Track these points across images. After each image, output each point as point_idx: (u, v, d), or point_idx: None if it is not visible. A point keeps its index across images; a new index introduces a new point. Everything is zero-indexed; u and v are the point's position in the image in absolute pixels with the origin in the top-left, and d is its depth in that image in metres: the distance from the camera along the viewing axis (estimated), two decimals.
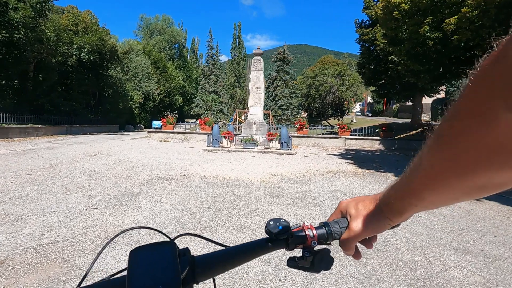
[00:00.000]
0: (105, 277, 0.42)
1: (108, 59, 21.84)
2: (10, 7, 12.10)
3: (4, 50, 14.31)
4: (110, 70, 23.22)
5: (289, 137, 11.55)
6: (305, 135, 15.56)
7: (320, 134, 17.00)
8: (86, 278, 0.47)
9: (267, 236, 0.47)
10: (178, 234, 0.53)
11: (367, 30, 22.26)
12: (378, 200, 0.45)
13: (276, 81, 46.74)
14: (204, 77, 40.09)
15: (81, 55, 15.49)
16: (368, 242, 0.49)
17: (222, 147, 11.56)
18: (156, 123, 15.97)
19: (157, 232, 0.55)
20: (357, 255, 0.50)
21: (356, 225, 0.46)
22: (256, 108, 13.94)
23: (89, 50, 16.67)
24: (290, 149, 11.20)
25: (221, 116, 39.14)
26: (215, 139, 11.37)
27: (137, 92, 25.98)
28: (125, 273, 0.38)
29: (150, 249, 0.40)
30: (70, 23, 19.15)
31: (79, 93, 20.07)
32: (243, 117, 24.16)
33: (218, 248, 0.48)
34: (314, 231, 0.48)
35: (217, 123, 17.25)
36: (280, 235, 0.45)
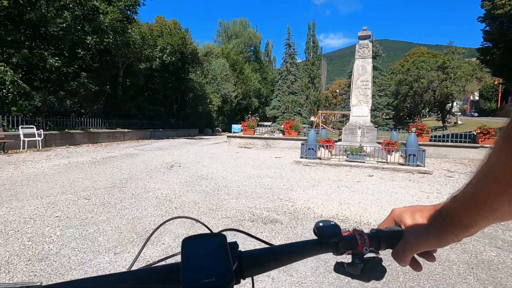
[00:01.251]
0: (156, 260, 0.45)
1: (189, 62, 21.91)
2: (101, 11, 12.34)
3: (98, 57, 14.94)
4: (191, 73, 23.37)
5: (420, 149, 8.26)
6: (426, 143, 11.71)
7: (441, 141, 12.72)
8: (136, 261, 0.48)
9: (316, 238, 0.45)
10: (224, 228, 0.53)
11: (503, 1, 16.61)
12: (439, 212, 0.41)
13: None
14: (281, 77, 38.37)
15: (164, 56, 15.38)
16: (428, 255, 0.45)
17: (320, 158, 9.02)
18: (235, 128, 14.50)
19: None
20: (416, 266, 0.47)
21: (414, 236, 0.43)
22: (361, 108, 11.00)
23: (171, 51, 16.57)
24: (423, 166, 7.90)
25: (298, 118, 36.73)
26: (311, 149, 8.92)
27: (215, 95, 25.80)
28: (177, 259, 0.39)
29: (202, 239, 0.41)
30: (157, 29, 19.73)
31: (163, 97, 20.44)
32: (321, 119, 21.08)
33: (264, 246, 0.48)
34: (366, 238, 0.45)
35: (311, 128, 14.96)
36: (330, 238, 0.44)
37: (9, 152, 9.09)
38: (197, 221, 0.59)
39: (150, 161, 8.54)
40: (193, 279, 0.35)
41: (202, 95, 23.86)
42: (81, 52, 14.34)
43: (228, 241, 0.42)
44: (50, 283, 0.36)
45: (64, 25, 11.81)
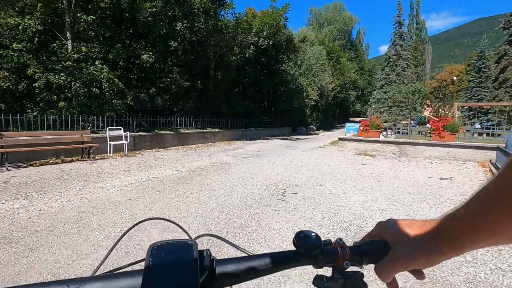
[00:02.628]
0: (122, 265, 0.43)
1: (283, 50, 19.27)
2: None
3: (190, 49, 13.68)
4: (285, 64, 20.75)
5: None
6: None
7: None
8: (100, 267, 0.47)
9: (295, 249, 0.44)
10: (200, 234, 0.54)
11: None
12: (432, 229, 0.40)
13: (507, 57, 31.31)
14: (388, 63, 32.23)
15: (260, 41, 13.15)
16: (416, 272, 0.44)
17: None
18: (350, 127, 10.98)
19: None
20: (394, 285, 0.45)
21: (400, 253, 0.41)
22: None
23: (268, 34, 14.22)
24: None
25: (403, 114, 29.94)
26: None
27: (312, 88, 22.59)
28: (142, 265, 0.38)
29: (171, 246, 0.40)
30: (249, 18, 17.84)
31: (254, 91, 18.41)
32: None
33: (241, 254, 0.47)
34: (348, 251, 0.44)
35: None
36: (310, 250, 0.42)
37: (95, 158, 8.09)
38: (175, 223, 0.58)
39: (248, 178, 6.05)
40: None
41: (297, 88, 21.01)
42: (174, 45, 13.28)
43: (206, 247, 0.41)
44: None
45: (153, 9, 10.65)
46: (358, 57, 54.39)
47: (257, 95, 18.76)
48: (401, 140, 9.67)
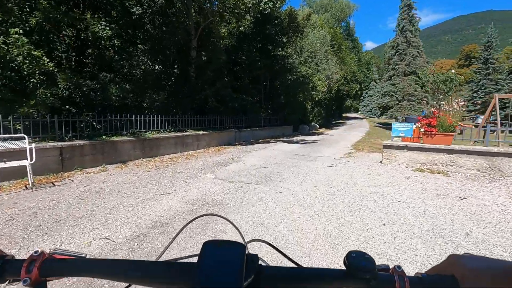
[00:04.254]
0: (182, 256, 0.49)
1: (285, 29, 15.61)
2: None
3: (161, 20, 9.85)
4: (286, 48, 17.10)
5: None
6: None
7: None
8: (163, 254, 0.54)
9: (345, 269, 0.42)
10: (252, 238, 0.57)
11: None
12: None
13: None
14: (397, 52, 29.10)
15: (261, 3, 9.50)
16: None
17: None
18: (400, 127, 7.50)
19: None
20: None
21: None
22: None
23: None
24: None
25: (415, 109, 27.05)
26: None
27: (319, 77, 19.01)
28: (195, 259, 0.42)
29: (222, 246, 0.42)
30: None
31: (250, 81, 14.70)
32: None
33: (291, 264, 0.47)
34: (407, 280, 0.40)
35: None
36: (361, 272, 0.40)
37: None
38: (230, 222, 0.61)
39: (271, 252, 2.29)
40: (202, 284, 0.36)
41: (301, 78, 17.42)
42: (137, 12, 9.43)
43: (255, 252, 0.43)
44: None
45: None
46: (356, 48, 51.39)
47: (254, 86, 15.07)
48: (495, 150, 6.23)
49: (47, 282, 0.44)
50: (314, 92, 17.28)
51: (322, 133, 20.40)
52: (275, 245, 0.56)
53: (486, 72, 44.55)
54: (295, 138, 15.81)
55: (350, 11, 49.65)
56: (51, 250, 0.47)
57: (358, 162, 8.12)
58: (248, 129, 13.95)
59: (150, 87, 9.94)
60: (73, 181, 5.50)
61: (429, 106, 28.78)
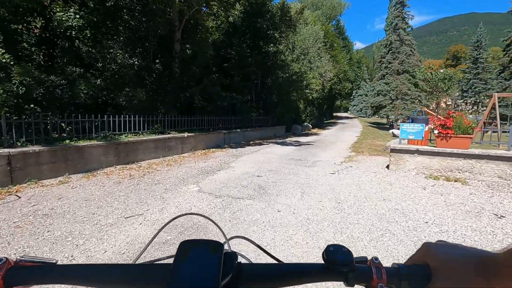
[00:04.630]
0: (154, 259, 0.49)
1: (277, 23, 14.72)
2: None
3: (140, 7, 8.82)
4: (278, 44, 16.19)
5: None
6: None
7: None
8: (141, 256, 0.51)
9: (324, 263, 0.42)
10: (232, 236, 0.56)
11: None
12: (488, 261, 0.35)
13: None
14: (390, 50, 28.59)
15: None
16: None
17: None
18: (408, 129, 6.68)
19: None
20: None
21: (442, 284, 0.37)
22: None
23: None
24: None
25: (408, 109, 26.62)
26: None
27: (314, 75, 18.15)
28: (171, 260, 0.41)
29: (199, 245, 0.42)
30: None
31: (240, 79, 13.75)
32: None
33: (271, 261, 0.47)
34: (384, 272, 0.41)
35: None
36: (339, 266, 0.41)
37: None
38: (210, 219, 0.62)
39: None
40: (178, 286, 0.36)
41: (294, 76, 16.53)
42: None
43: (235, 250, 0.44)
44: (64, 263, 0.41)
45: None
46: (347, 46, 51.00)
47: (244, 83, 14.11)
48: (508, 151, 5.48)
49: None
50: (308, 91, 16.44)
51: (315, 134, 19.61)
52: (254, 241, 0.56)
53: (476, 72, 44.87)
54: (288, 140, 14.93)
55: (341, 9, 49.10)
56: (18, 257, 0.44)
57: (362, 168, 7.27)
58: (239, 130, 12.97)
59: (129, 84, 8.85)
60: (20, 197, 4.43)
61: (422, 105, 28.46)
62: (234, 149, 10.64)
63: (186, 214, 0.66)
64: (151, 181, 5.72)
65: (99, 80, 7.88)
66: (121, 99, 8.12)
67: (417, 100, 27.44)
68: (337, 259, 0.40)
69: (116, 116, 7.48)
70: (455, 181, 5.93)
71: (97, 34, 8.39)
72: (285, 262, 0.47)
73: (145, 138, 7.91)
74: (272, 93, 16.19)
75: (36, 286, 0.42)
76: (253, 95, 16.10)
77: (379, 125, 34.64)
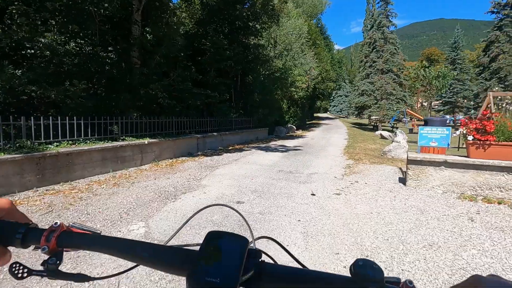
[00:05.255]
0: (185, 244, 0.50)
1: (259, 12, 13.09)
2: None
3: None
4: (260, 36, 14.55)
5: None
6: None
7: None
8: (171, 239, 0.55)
9: (351, 277, 0.39)
10: (260, 236, 0.57)
11: None
12: None
13: (498, 44, 28.64)
14: (374, 48, 27.75)
15: None
16: None
17: None
18: (429, 133, 5.16)
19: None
20: None
21: None
22: None
23: None
24: None
25: (394, 109, 25.99)
26: None
27: (299, 72, 16.57)
28: (197, 248, 0.43)
29: (225, 237, 0.43)
30: None
31: (218, 75, 11.97)
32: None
33: (296, 265, 0.47)
34: None
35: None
36: (368, 282, 0.37)
37: None
38: (241, 215, 0.63)
39: None
40: (200, 273, 0.37)
41: (276, 73, 14.92)
42: None
43: (261, 248, 0.43)
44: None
45: None
46: (328, 46, 50.41)
47: (222, 80, 12.32)
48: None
49: (64, 253, 0.46)
50: (293, 89, 14.86)
51: (301, 136, 18.12)
52: (282, 244, 0.55)
53: (454, 73, 45.60)
54: (273, 144, 13.28)
55: (323, 7, 48.33)
56: (70, 223, 0.49)
57: (371, 184, 5.73)
58: (215, 133, 11.16)
59: (70, 77, 6.82)
60: None
61: (407, 105, 27.90)
62: (209, 158, 8.83)
63: (218, 204, 0.67)
64: (77, 214, 3.84)
65: (20, 71, 5.82)
66: (53, 95, 6.08)
67: (402, 101, 26.78)
68: (366, 275, 0.37)
69: (42, 118, 5.48)
70: (499, 203, 4.50)
71: (26, 13, 6.32)
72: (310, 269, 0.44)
73: (87, 148, 5.94)
74: (254, 92, 14.50)
75: (81, 251, 0.47)
76: (233, 94, 14.32)
77: (361, 126, 33.91)
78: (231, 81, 13.50)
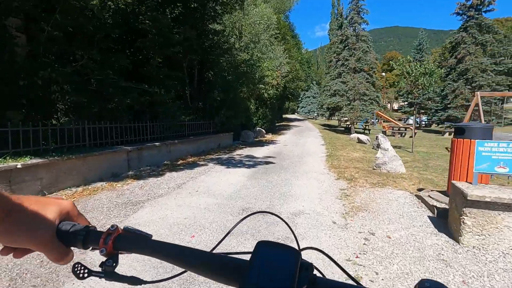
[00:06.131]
0: (235, 251, 0.49)
1: None
2: None
3: None
4: (220, 20, 11.94)
5: None
6: None
7: None
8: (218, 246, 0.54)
9: None
10: (307, 246, 0.54)
11: None
12: None
13: (464, 46, 28.57)
14: (346, 46, 26.33)
15: None
16: None
17: None
18: (494, 153, 2.83)
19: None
20: None
21: None
22: None
23: None
24: None
25: (367, 110, 24.87)
26: None
27: (269, 66, 13.98)
28: (247, 257, 0.41)
29: (276, 248, 0.41)
30: None
31: (166, 65, 9.21)
32: None
33: (350, 282, 0.43)
34: None
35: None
36: None
37: None
38: (287, 224, 0.60)
39: None
40: (253, 284, 0.36)
41: (241, 66, 12.37)
42: None
43: (310, 261, 0.41)
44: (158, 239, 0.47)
45: None
46: (297, 44, 49.02)
47: (171, 73, 9.51)
48: None
49: (119, 255, 0.47)
50: (262, 86, 12.32)
51: (271, 142, 15.75)
52: (332, 257, 0.52)
53: None
54: (238, 154, 10.70)
55: (291, 4, 46.69)
56: (125, 226, 0.50)
57: (397, 241, 3.37)
58: (158, 143, 8.31)
59: None
60: None
61: (380, 106, 26.90)
62: (141, 182, 6.03)
63: (264, 212, 0.65)
64: None
65: None
66: None
67: (375, 102, 25.63)
68: None
69: None
70: None
71: None
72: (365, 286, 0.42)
73: None
74: (214, 88, 11.82)
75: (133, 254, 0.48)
76: (188, 91, 11.53)
77: (332, 128, 32.59)
78: (184, 75, 10.70)
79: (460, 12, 30.74)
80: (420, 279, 0.35)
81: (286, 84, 24.13)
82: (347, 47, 26.67)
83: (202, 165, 8.27)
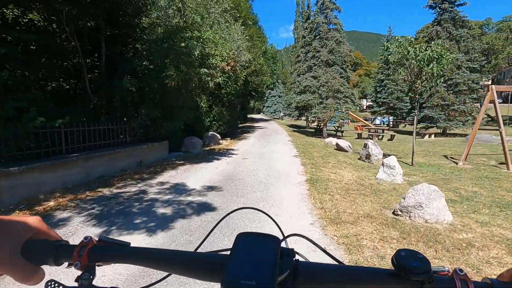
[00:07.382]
0: (217, 250, 0.49)
1: None
2: None
3: None
4: None
5: None
6: None
7: None
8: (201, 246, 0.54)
9: (393, 269, 0.37)
10: (290, 234, 0.55)
11: None
12: None
13: (438, 41, 27.01)
14: (318, 35, 23.12)
15: None
16: None
17: None
18: None
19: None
20: None
21: None
22: None
23: None
24: None
25: (341, 107, 22.04)
26: None
27: (217, 46, 9.63)
28: (228, 252, 0.42)
29: (256, 238, 0.42)
30: None
31: (46, 43, 4.67)
32: None
33: (331, 261, 0.45)
34: (472, 286, 0.35)
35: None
36: (414, 274, 0.35)
37: None
38: (267, 215, 0.60)
39: None
40: (234, 277, 0.36)
41: (180, 42, 8.07)
42: None
43: (292, 247, 0.42)
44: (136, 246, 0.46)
45: None
46: (261, 38, 45.39)
47: (59, 57, 5.06)
48: None
49: (96, 267, 0.46)
50: (204, 70, 8.07)
51: (226, 153, 11.66)
52: (313, 240, 0.53)
53: (387, 73, 45.24)
54: (160, 182, 6.48)
55: None
56: (99, 237, 0.48)
57: None
58: (15, 168, 3.89)
59: None
60: None
61: (356, 105, 24.10)
62: None
63: (245, 208, 0.68)
64: None
65: None
66: None
67: (350, 100, 22.70)
68: (411, 266, 0.35)
69: None
70: None
71: None
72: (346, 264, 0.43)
73: None
74: (127, 74, 7.44)
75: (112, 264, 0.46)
76: (84, 75, 7.06)
77: (301, 129, 29.42)
78: (85, 55, 6.24)
79: (433, 5, 29.22)
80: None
81: (248, 77, 20.16)
82: (318, 37, 23.44)
83: (64, 224, 4.01)
